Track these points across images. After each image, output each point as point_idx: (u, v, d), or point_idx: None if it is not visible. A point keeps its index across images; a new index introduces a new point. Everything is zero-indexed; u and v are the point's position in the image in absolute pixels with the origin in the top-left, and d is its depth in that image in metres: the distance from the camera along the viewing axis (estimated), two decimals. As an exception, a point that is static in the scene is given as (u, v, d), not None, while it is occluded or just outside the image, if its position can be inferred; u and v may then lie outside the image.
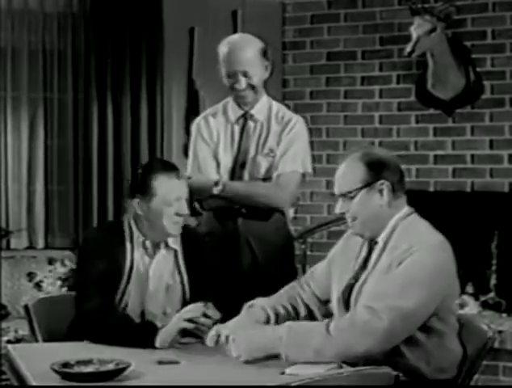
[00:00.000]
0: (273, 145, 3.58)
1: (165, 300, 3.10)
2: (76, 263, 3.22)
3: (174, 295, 3.11)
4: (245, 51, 3.52)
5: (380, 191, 2.70)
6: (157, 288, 3.10)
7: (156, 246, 3.12)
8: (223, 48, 3.55)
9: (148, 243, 3.11)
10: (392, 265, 2.61)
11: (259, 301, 2.94)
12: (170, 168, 3.11)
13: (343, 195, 2.73)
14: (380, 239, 2.71)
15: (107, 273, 3.02)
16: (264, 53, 3.58)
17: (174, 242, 3.15)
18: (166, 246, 3.13)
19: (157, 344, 2.83)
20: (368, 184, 2.69)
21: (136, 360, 2.53)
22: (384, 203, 2.71)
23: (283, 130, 3.59)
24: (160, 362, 2.65)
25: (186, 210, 3.09)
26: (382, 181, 2.70)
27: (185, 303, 3.06)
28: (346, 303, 2.73)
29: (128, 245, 3.09)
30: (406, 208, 2.77)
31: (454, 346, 2.72)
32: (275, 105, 3.68)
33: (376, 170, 2.70)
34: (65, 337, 3.03)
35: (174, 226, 3.08)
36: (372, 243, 2.75)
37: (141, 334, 2.86)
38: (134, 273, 3.07)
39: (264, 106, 3.63)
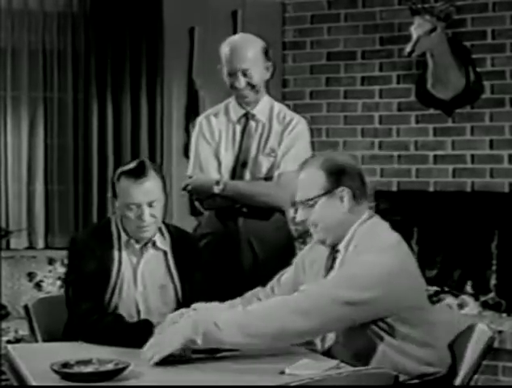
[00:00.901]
0: (274, 144, 3.59)
1: (160, 300, 3.10)
2: (67, 265, 3.21)
3: (168, 296, 3.11)
4: (246, 50, 3.53)
5: (341, 198, 2.70)
6: (148, 289, 3.09)
7: (144, 246, 3.12)
8: (225, 48, 3.56)
9: (133, 243, 3.10)
10: None
11: (206, 305, 2.88)
12: (133, 173, 3.05)
13: (303, 203, 2.72)
14: (341, 247, 2.72)
15: (98, 274, 3.02)
16: (265, 53, 3.59)
17: (163, 243, 3.14)
18: (154, 246, 3.13)
19: None
20: (328, 192, 2.69)
21: (135, 360, 2.53)
22: (345, 210, 2.70)
23: (284, 130, 3.60)
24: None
25: (144, 216, 3.02)
26: (342, 188, 2.69)
27: (178, 303, 3.07)
28: None
29: (116, 245, 3.09)
30: (366, 214, 2.75)
31: (433, 339, 2.70)
32: (277, 105, 3.69)
33: (336, 176, 2.69)
34: (62, 339, 3.04)
35: (138, 230, 3.06)
36: (334, 252, 2.76)
37: (137, 333, 2.86)
38: (122, 273, 3.07)
39: (265, 106, 3.64)
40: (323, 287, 2.61)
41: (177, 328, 2.64)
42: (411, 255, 2.72)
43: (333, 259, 2.76)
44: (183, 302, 3.04)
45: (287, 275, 3.00)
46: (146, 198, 3.03)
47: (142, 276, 3.09)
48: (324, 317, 2.54)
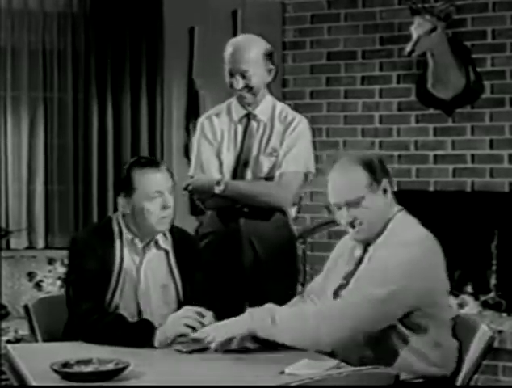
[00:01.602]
0: (276, 144, 3.58)
1: (161, 300, 3.09)
2: (67, 265, 3.20)
3: (169, 295, 3.10)
4: (247, 51, 3.52)
5: (384, 191, 2.70)
6: (150, 288, 3.08)
7: (146, 245, 3.10)
8: (228, 48, 3.58)
9: (137, 242, 3.09)
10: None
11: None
12: (148, 162, 3.09)
13: (349, 203, 2.68)
14: (373, 238, 2.73)
15: (99, 273, 3.00)
16: (269, 56, 3.58)
17: (165, 243, 3.13)
18: (157, 245, 3.12)
19: (156, 344, 2.83)
20: (373, 187, 2.68)
21: (135, 360, 2.52)
22: (388, 201, 2.72)
23: (286, 129, 3.59)
24: (178, 351, 2.75)
25: (170, 202, 3.03)
26: (385, 180, 2.70)
27: (179, 303, 3.06)
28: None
29: (118, 244, 3.07)
30: (395, 207, 2.78)
31: (444, 340, 2.72)
32: (279, 105, 3.68)
33: (376, 170, 2.69)
34: (62, 339, 3.03)
35: (161, 222, 3.04)
36: (366, 244, 2.76)
37: (138, 332, 2.86)
38: (124, 272, 3.05)
39: (267, 106, 3.63)
40: (355, 289, 2.62)
41: (238, 318, 2.69)
42: (439, 251, 2.70)
43: (364, 252, 2.74)
44: (184, 302, 3.04)
45: (318, 283, 2.97)
46: (168, 184, 3.05)
47: (145, 276, 3.08)
48: (359, 317, 2.55)
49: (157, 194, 3.02)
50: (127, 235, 3.08)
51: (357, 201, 2.67)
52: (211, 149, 3.61)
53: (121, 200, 3.08)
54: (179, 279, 3.12)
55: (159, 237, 3.11)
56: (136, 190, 3.03)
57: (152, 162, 3.10)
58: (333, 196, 2.71)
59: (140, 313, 3.05)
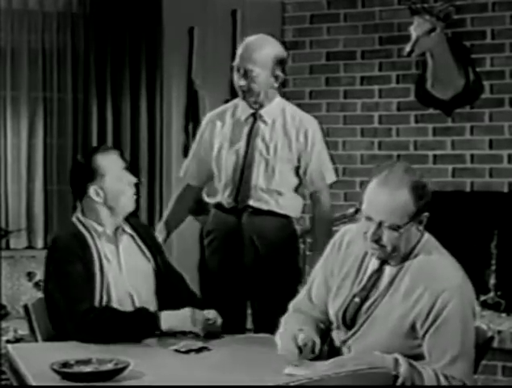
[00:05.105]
0: (283, 146, 3.56)
1: (145, 284, 3.11)
2: (50, 273, 3.20)
3: (148, 278, 3.13)
4: (256, 51, 3.49)
5: (420, 222, 2.60)
6: (132, 273, 3.09)
7: (116, 233, 3.13)
8: (241, 44, 3.57)
9: (107, 231, 3.11)
10: (412, 292, 2.55)
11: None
12: (104, 147, 3.31)
13: (391, 227, 2.55)
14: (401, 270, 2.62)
15: (85, 274, 3.01)
16: (279, 62, 3.56)
17: (128, 228, 3.18)
18: (124, 231, 3.15)
19: (163, 327, 2.87)
20: (415, 218, 2.57)
21: (135, 359, 2.53)
22: (422, 230, 2.62)
23: (304, 140, 3.58)
24: (176, 350, 2.75)
25: (133, 178, 3.14)
26: (426, 213, 2.60)
27: (158, 285, 3.12)
28: (349, 320, 2.65)
29: (90, 240, 3.08)
30: (426, 233, 2.67)
31: None
32: (289, 108, 3.66)
33: (423, 201, 2.59)
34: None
35: (131, 200, 3.14)
36: (383, 265, 2.63)
37: (141, 320, 2.90)
38: (105, 265, 3.05)
39: (276, 107, 3.60)
40: (459, 369, 2.51)
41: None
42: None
43: (381, 267, 2.64)
44: (161, 279, 3.12)
45: (317, 283, 2.83)
46: (124, 164, 3.16)
47: (126, 262, 3.10)
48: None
49: (123, 172, 3.12)
50: (97, 228, 3.10)
51: (396, 227, 2.54)
52: (196, 158, 3.62)
53: (92, 191, 3.11)
54: (152, 258, 3.16)
55: (122, 223, 3.15)
56: (105, 174, 3.09)
57: (106, 146, 3.32)
58: (373, 211, 2.55)
59: (132, 301, 3.04)
